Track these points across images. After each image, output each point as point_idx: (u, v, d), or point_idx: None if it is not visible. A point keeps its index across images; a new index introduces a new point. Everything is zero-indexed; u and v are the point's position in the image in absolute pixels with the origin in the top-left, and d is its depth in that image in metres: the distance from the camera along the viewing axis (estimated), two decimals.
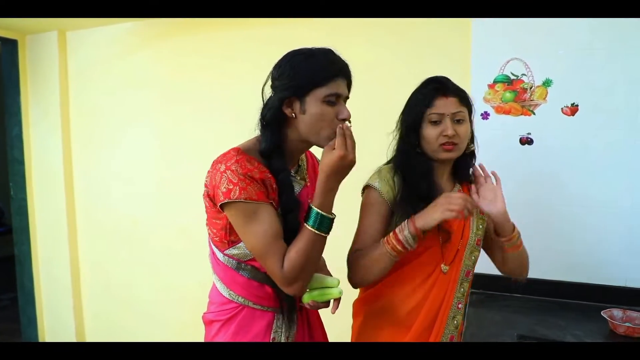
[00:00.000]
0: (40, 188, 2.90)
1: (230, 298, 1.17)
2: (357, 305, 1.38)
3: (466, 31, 1.89)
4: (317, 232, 1.04)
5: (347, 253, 1.27)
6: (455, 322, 1.28)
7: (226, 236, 1.12)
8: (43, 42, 2.78)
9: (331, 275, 1.27)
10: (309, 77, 1.06)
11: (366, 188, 1.29)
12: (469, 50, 1.89)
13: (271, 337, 1.16)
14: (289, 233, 1.08)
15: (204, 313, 1.25)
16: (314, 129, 1.08)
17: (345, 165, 1.03)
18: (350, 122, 1.10)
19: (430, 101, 1.24)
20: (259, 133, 1.13)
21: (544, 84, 1.79)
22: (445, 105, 1.23)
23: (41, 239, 2.93)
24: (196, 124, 2.55)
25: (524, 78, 1.81)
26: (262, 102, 1.14)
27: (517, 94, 1.82)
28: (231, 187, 1.02)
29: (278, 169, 1.09)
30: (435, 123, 1.23)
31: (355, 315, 1.38)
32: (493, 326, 1.56)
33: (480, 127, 1.85)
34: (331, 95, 1.07)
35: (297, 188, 1.17)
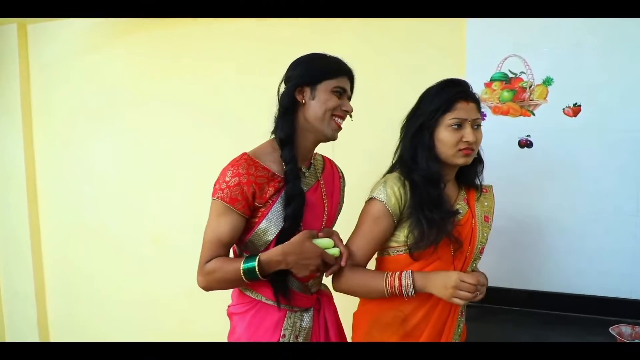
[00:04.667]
0: None
1: (245, 292, 1.29)
2: (361, 317, 1.38)
3: (460, 26, 1.84)
4: (242, 274, 1.16)
5: None
6: (459, 330, 1.35)
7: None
8: (1, 35, 2.63)
9: None
10: (322, 69, 1.23)
11: (371, 199, 1.28)
12: (463, 47, 1.83)
13: (281, 334, 1.25)
14: (291, 220, 1.20)
15: (228, 306, 1.35)
16: (320, 115, 1.22)
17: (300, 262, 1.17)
18: (351, 117, 1.27)
19: (451, 105, 1.24)
20: (272, 137, 1.27)
21: (544, 82, 1.75)
22: (466, 111, 1.24)
23: None
24: (168, 124, 2.44)
25: (523, 76, 1.77)
26: (276, 100, 1.26)
27: (515, 93, 1.79)
28: (217, 186, 1.19)
29: (288, 159, 1.21)
30: (454, 128, 1.23)
31: (357, 327, 1.39)
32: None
33: None
34: (339, 87, 1.23)
35: (304, 187, 1.26)
